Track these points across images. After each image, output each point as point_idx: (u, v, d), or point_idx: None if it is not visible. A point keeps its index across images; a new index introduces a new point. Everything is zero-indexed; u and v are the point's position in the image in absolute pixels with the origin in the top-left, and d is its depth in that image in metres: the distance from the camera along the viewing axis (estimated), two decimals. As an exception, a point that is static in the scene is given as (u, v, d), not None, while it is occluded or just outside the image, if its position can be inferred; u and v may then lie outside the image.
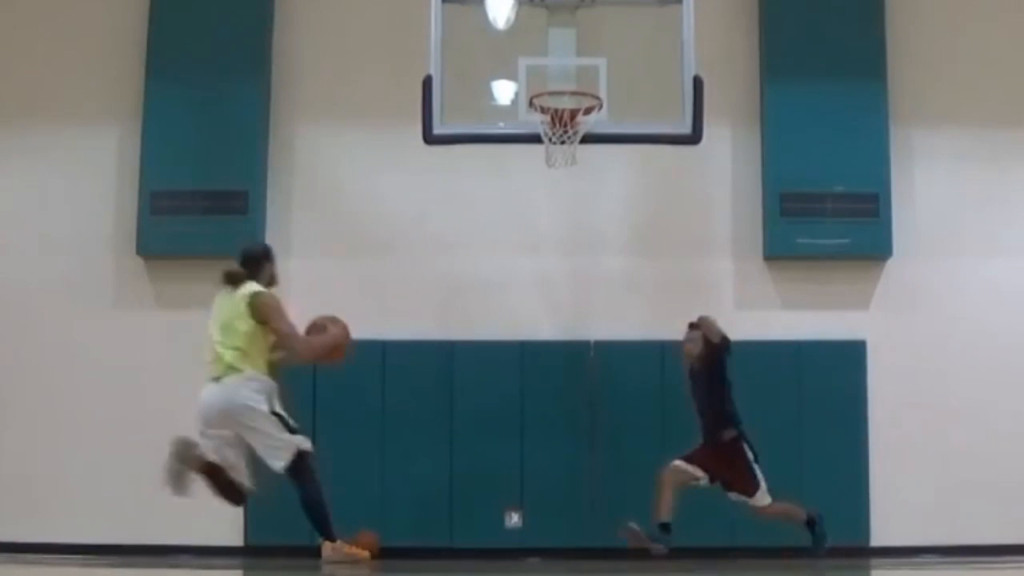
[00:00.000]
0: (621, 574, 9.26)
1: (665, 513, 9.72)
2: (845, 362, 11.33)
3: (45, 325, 11.48)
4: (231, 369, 8.56)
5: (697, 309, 11.47)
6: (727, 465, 9.87)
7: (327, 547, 8.71)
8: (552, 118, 9.13)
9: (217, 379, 8.62)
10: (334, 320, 8.87)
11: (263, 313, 8.59)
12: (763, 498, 9.90)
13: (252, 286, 8.71)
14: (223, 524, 11.13)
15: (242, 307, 8.59)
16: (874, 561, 10.84)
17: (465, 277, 11.48)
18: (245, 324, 8.58)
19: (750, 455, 9.88)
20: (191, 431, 11.25)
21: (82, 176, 11.64)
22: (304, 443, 8.64)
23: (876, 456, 11.23)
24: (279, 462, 8.57)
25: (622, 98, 9.19)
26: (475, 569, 9.41)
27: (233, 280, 8.76)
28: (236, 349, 8.58)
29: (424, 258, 11.50)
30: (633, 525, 9.68)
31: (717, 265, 11.65)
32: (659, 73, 9.38)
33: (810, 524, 9.97)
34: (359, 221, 11.61)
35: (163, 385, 11.37)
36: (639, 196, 11.70)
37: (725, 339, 9.90)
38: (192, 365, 11.35)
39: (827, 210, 11.34)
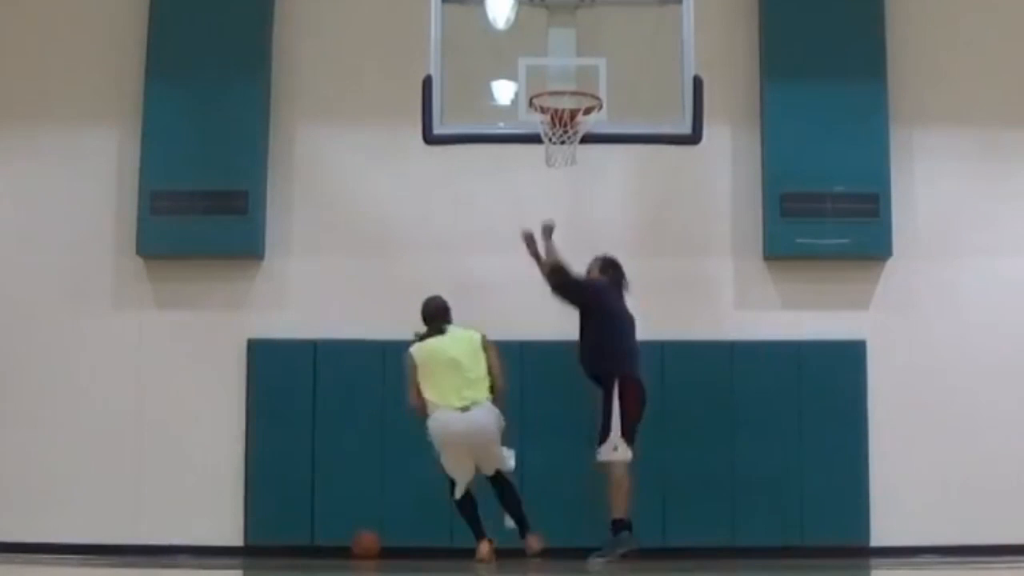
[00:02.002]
0: (621, 574, 9.27)
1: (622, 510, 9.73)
2: (845, 362, 11.32)
3: (45, 325, 11.48)
4: (481, 399, 9.68)
5: (697, 309, 11.54)
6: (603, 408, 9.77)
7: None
8: (552, 118, 9.12)
9: (466, 408, 9.62)
10: None
11: (490, 349, 9.91)
12: (606, 452, 9.73)
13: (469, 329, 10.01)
14: (223, 524, 11.16)
15: (477, 345, 9.85)
16: (874, 561, 10.85)
17: (465, 277, 11.47)
18: (482, 361, 9.80)
19: (616, 400, 9.70)
20: (190, 431, 11.33)
21: (82, 176, 11.63)
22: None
23: (876, 456, 11.23)
24: (503, 464, 9.88)
25: (622, 98, 9.19)
26: (475, 569, 9.42)
27: (442, 329, 9.95)
28: (481, 382, 9.73)
29: (424, 258, 11.49)
30: (596, 561, 9.72)
31: (717, 265, 11.65)
32: (659, 73, 9.38)
33: (615, 525, 9.78)
34: (359, 221, 11.61)
35: (163, 385, 11.38)
36: (639, 196, 11.70)
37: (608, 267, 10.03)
38: (192, 365, 11.44)
39: (827, 210, 11.33)
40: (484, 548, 9.77)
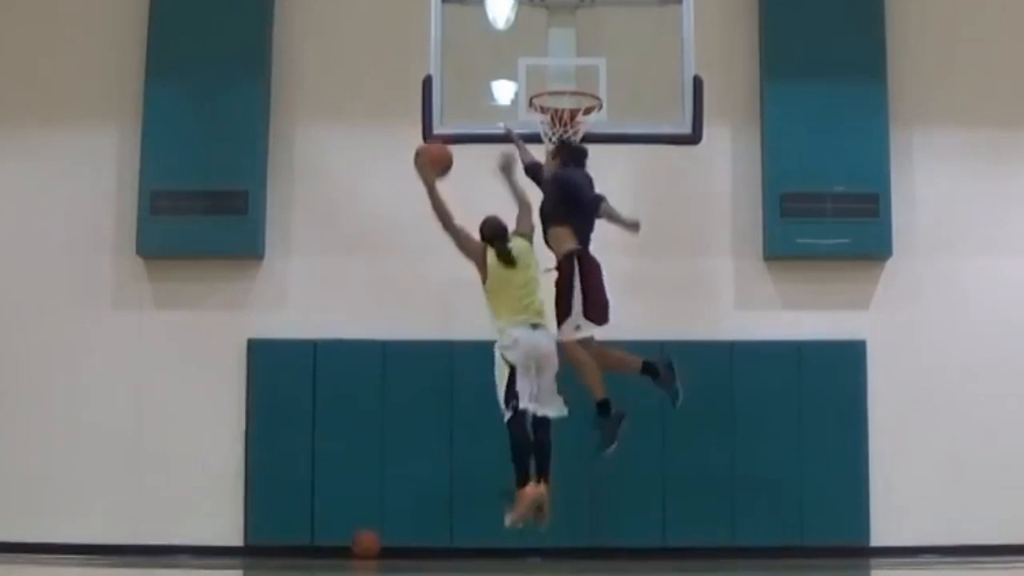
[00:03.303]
0: (621, 574, 9.27)
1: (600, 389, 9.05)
2: (845, 362, 11.33)
3: (45, 325, 11.48)
4: (542, 317, 9.08)
5: (697, 309, 11.53)
6: (557, 288, 8.99)
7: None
8: (552, 118, 9.12)
9: (536, 325, 9.03)
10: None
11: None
12: (568, 331, 8.77)
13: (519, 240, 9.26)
14: (223, 524, 11.16)
15: (530, 251, 9.18)
16: (874, 561, 10.86)
17: (465, 277, 11.42)
18: (534, 266, 9.14)
19: (576, 277, 8.87)
20: (190, 431, 11.34)
21: (82, 176, 11.64)
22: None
23: (876, 456, 11.23)
24: (556, 411, 9.06)
25: (622, 98, 9.18)
26: (475, 569, 9.42)
27: (508, 249, 9.18)
28: (537, 297, 9.10)
29: (424, 258, 11.46)
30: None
31: (717, 265, 11.65)
32: (659, 73, 9.39)
33: (647, 370, 9.11)
34: (359, 221, 11.61)
35: (163, 385, 11.39)
36: (639, 196, 11.67)
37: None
38: (192, 365, 11.44)
39: (827, 210, 11.34)
40: (534, 486, 8.91)
